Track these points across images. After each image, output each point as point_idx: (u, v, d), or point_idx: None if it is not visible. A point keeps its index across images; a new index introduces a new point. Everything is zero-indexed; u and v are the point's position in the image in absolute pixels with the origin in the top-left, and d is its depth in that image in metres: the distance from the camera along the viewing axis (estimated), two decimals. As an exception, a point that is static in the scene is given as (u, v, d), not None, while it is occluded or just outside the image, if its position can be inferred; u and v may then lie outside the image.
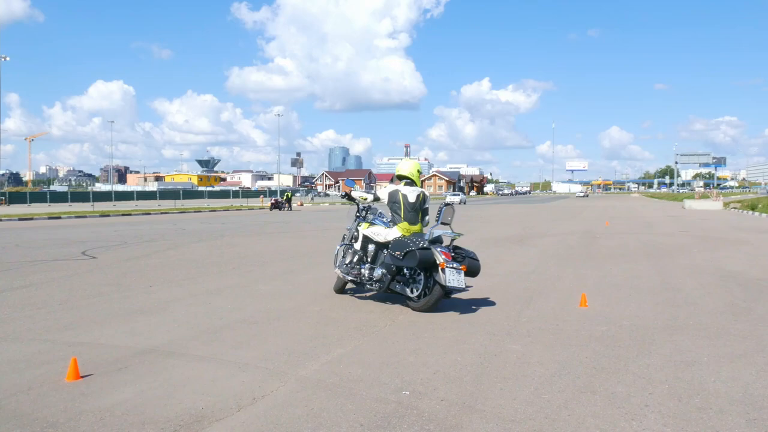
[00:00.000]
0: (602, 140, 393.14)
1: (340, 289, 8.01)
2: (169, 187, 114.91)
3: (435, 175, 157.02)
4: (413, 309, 6.87)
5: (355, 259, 7.61)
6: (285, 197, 45.66)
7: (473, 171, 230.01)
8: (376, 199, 7.56)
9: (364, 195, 7.67)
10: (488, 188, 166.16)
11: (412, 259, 6.61)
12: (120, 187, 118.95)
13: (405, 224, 7.23)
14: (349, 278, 7.52)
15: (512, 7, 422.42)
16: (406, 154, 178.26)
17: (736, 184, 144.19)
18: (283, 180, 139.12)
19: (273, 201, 44.88)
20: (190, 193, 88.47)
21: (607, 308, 6.99)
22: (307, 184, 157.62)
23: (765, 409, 3.81)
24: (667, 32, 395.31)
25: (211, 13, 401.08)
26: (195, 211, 39.44)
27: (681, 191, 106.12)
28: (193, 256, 12.94)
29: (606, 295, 7.81)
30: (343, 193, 7.79)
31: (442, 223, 7.26)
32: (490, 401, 3.99)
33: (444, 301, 6.98)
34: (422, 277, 6.90)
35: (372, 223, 7.59)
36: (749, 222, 25.75)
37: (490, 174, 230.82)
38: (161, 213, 37.30)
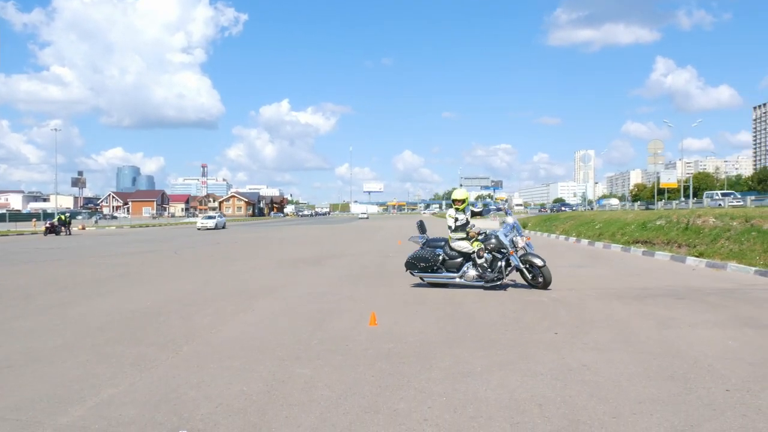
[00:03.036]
0: (396, 163, 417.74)
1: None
2: None
3: (234, 196, 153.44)
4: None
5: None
6: (59, 219, 41.20)
7: (273, 192, 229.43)
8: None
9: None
10: (288, 209, 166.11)
11: None
12: None
13: None
14: None
15: (310, 32, 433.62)
16: (203, 175, 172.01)
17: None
18: (62, 201, 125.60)
19: (48, 225, 40.37)
20: (-58, 217, 75.69)
21: (395, 326, 7.22)
22: (90, 205, 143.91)
23: (527, 412, 4.15)
24: (452, 65, 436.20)
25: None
26: (-53, 238, 33.85)
27: None
28: (-63, 290, 10.97)
29: (395, 313, 8.09)
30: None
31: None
32: (274, 431, 3.84)
33: (230, 327, 7.17)
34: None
35: None
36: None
37: (290, 195, 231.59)
38: None
